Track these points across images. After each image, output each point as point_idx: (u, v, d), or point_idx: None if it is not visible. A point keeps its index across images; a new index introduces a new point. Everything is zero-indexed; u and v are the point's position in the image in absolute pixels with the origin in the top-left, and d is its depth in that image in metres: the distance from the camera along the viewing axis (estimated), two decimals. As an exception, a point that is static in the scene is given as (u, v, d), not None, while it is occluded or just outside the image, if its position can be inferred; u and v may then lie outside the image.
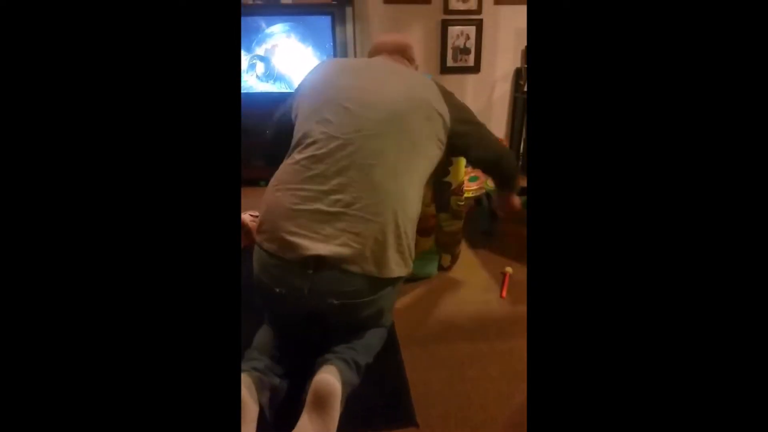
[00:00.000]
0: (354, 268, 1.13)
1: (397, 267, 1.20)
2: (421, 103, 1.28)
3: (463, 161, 1.81)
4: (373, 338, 1.28)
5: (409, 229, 1.23)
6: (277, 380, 1.13)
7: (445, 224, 1.87)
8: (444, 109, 1.31)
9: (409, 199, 1.23)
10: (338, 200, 1.15)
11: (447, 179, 1.79)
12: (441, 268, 1.96)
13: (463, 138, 1.38)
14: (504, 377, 1.34)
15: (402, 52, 1.51)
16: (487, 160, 1.50)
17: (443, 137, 1.32)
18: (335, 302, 1.14)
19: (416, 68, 1.58)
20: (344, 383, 1.06)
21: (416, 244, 1.77)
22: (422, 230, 1.81)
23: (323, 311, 1.16)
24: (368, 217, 1.14)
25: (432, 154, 1.30)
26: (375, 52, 1.53)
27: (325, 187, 1.16)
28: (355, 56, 3.15)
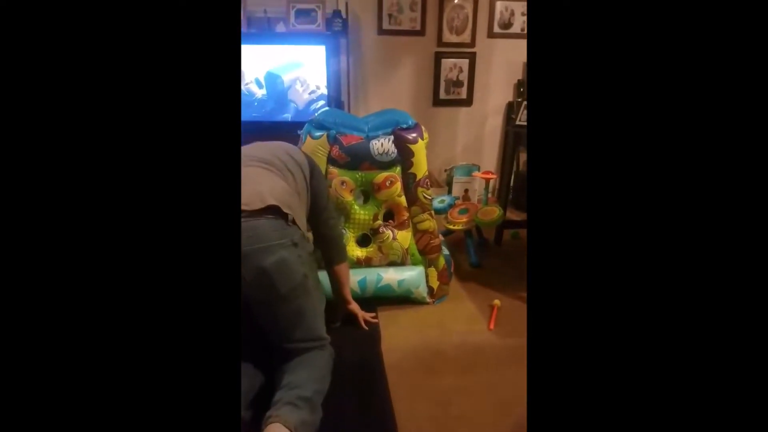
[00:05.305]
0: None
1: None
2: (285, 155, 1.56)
3: (424, 152, 1.89)
4: (313, 366, 1.26)
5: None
6: (248, 414, 1.11)
7: (416, 219, 1.92)
8: (305, 162, 1.60)
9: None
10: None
11: (411, 171, 1.87)
12: (430, 291, 1.95)
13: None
14: (491, 410, 1.31)
15: None
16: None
17: (301, 176, 1.55)
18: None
19: None
20: (297, 428, 1.04)
21: (396, 239, 1.85)
22: (399, 225, 1.90)
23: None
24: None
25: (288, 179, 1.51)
26: None
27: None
28: (348, 86, 3.18)
